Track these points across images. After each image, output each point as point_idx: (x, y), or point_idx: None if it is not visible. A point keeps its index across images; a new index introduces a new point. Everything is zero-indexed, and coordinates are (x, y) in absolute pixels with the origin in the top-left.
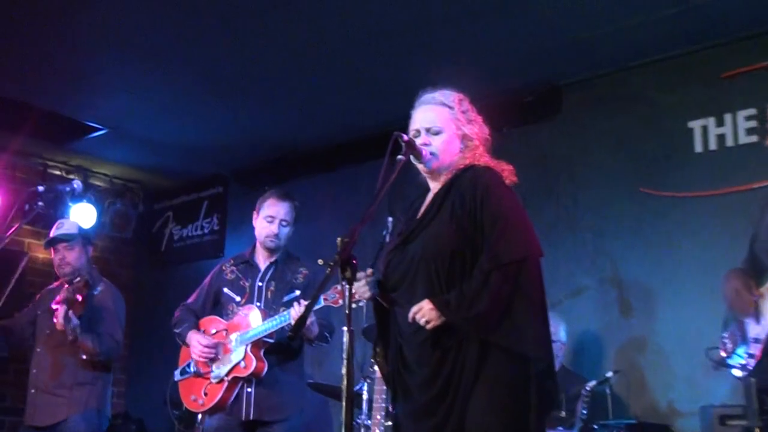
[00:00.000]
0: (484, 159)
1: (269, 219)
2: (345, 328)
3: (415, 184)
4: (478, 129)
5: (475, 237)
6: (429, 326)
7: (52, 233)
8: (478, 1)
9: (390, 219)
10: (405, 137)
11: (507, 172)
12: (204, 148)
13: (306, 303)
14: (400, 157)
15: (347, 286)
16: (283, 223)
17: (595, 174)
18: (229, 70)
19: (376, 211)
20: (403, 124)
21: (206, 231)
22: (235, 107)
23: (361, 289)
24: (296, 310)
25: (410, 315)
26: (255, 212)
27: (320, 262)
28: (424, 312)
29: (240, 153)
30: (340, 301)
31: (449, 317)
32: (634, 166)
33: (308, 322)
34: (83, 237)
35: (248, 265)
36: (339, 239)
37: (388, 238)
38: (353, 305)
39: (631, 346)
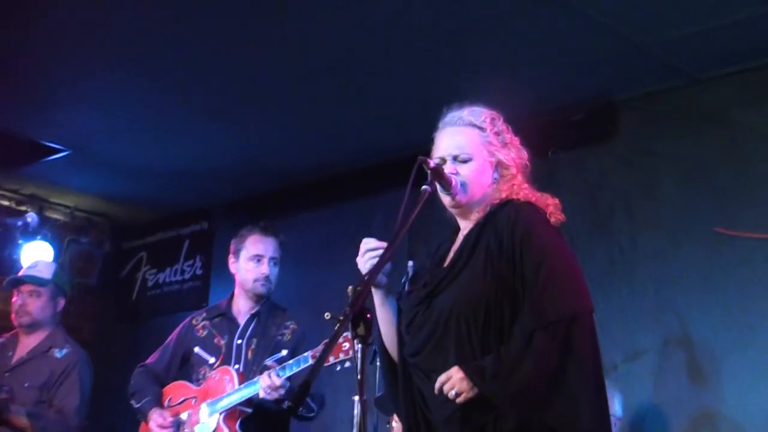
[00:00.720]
0: (524, 192)
1: (256, 259)
2: (356, 398)
3: (441, 222)
4: (515, 154)
5: (515, 287)
6: (460, 399)
7: (21, 272)
8: (515, 0)
9: (411, 264)
10: (431, 163)
11: (552, 207)
12: (186, 175)
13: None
14: (425, 187)
15: (359, 346)
16: (273, 261)
17: (658, 210)
18: (219, 83)
19: (395, 253)
20: (424, 150)
21: (187, 276)
22: (225, 128)
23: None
24: (268, 382)
25: (437, 385)
26: (232, 255)
27: (327, 316)
28: (453, 382)
29: (229, 182)
30: (331, 359)
31: (484, 388)
32: (708, 200)
33: (279, 386)
34: (56, 286)
35: (224, 318)
36: (350, 288)
37: (407, 288)
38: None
39: (702, 422)
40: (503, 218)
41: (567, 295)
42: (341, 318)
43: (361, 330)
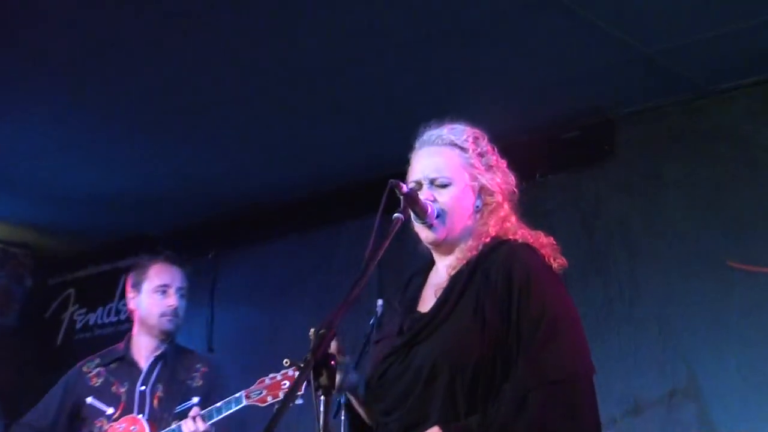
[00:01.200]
0: (521, 232)
1: (161, 290)
2: None
3: (414, 254)
4: (500, 179)
5: (508, 342)
6: None
7: None
8: (502, 3)
9: (380, 303)
10: (405, 187)
11: (549, 248)
12: (124, 199)
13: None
14: (397, 215)
15: (322, 397)
16: (181, 292)
17: (663, 241)
18: (158, 98)
19: (364, 290)
20: (397, 172)
21: (123, 317)
22: (167, 147)
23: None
24: (190, 428)
25: None
26: (131, 289)
27: (286, 362)
28: None
29: (176, 208)
30: (269, 399)
31: None
32: (720, 229)
33: None
34: None
35: (123, 363)
36: (312, 332)
37: (376, 333)
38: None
39: None
40: (496, 262)
41: (569, 354)
42: (302, 365)
43: (323, 379)
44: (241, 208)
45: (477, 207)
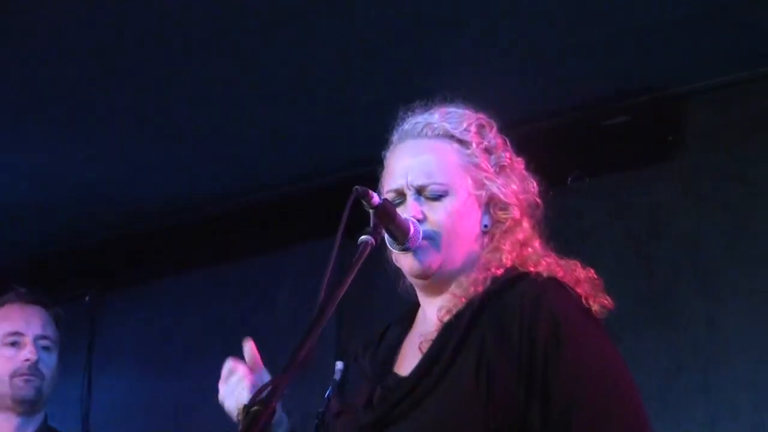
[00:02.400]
0: (548, 260)
1: (12, 339)
2: None
3: (389, 293)
4: (517, 185)
5: (529, 419)
6: None
7: None
8: None
9: (339, 366)
10: (375, 197)
11: (587, 285)
12: None
13: None
14: (365, 238)
15: None
16: (45, 342)
17: (755, 273)
18: (17, 79)
19: (316, 346)
20: (368, 174)
21: None
22: (22, 136)
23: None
24: None
25: None
26: None
27: None
28: None
29: (33, 228)
30: None
31: None
32: None
33: None
34: None
35: None
36: (241, 408)
37: (336, 405)
38: None
39: None
40: (512, 305)
41: None
42: None
43: None
44: (134, 229)
45: (484, 226)
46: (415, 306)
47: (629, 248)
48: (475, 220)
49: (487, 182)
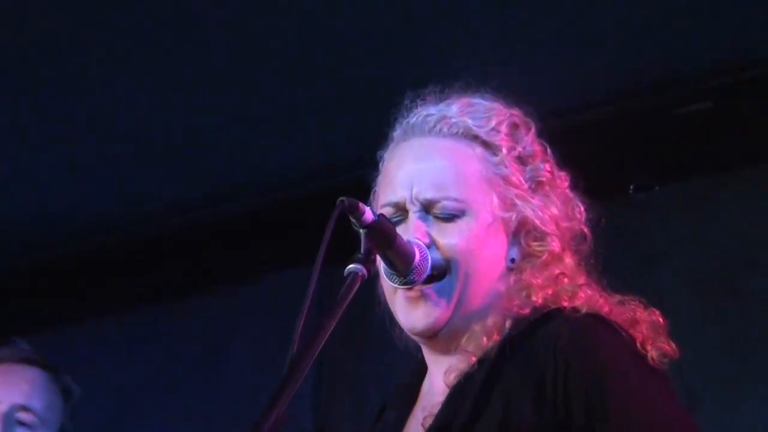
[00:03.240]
0: (586, 293)
1: None
2: None
3: (386, 345)
4: (559, 208)
5: None
6: None
7: None
8: None
9: None
10: (367, 212)
11: (646, 327)
12: None
13: None
14: (353, 267)
15: None
16: (23, 416)
17: None
18: None
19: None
20: (356, 182)
21: None
22: None
23: None
24: None
25: None
26: None
27: None
28: None
29: None
30: None
31: None
32: None
33: None
34: None
35: None
36: None
37: None
38: None
39: None
40: (542, 351)
41: None
42: None
43: None
44: (67, 251)
45: (511, 260)
46: (420, 367)
47: (716, 280)
48: (499, 252)
49: (518, 202)
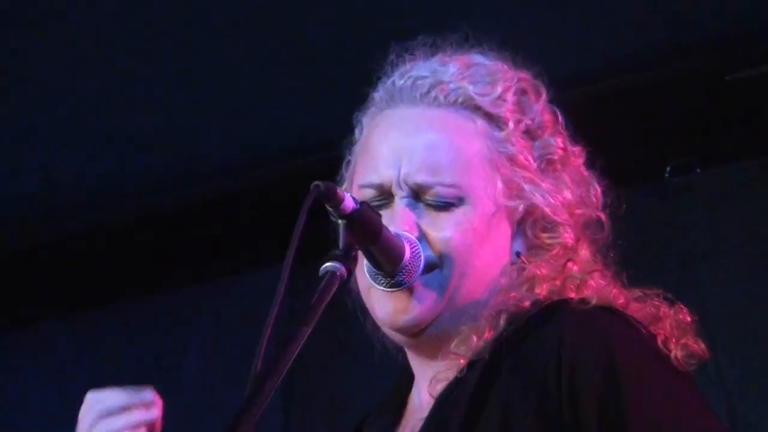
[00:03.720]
0: (597, 282)
1: None
2: None
3: (367, 350)
4: (572, 192)
5: None
6: None
7: None
8: None
9: None
10: (347, 199)
11: (671, 326)
12: None
13: None
14: (331, 266)
15: None
16: None
17: None
18: None
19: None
20: (323, 166)
21: None
22: None
23: None
24: None
25: None
26: None
27: None
28: None
29: None
30: None
31: None
32: None
33: None
34: None
35: None
36: None
37: None
38: None
39: None
40: (544, 346)
41: None
42: None
43: None
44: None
45: (516, 254)
46: (405, 376)
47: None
48: (501, 246)
49: (526, 187)
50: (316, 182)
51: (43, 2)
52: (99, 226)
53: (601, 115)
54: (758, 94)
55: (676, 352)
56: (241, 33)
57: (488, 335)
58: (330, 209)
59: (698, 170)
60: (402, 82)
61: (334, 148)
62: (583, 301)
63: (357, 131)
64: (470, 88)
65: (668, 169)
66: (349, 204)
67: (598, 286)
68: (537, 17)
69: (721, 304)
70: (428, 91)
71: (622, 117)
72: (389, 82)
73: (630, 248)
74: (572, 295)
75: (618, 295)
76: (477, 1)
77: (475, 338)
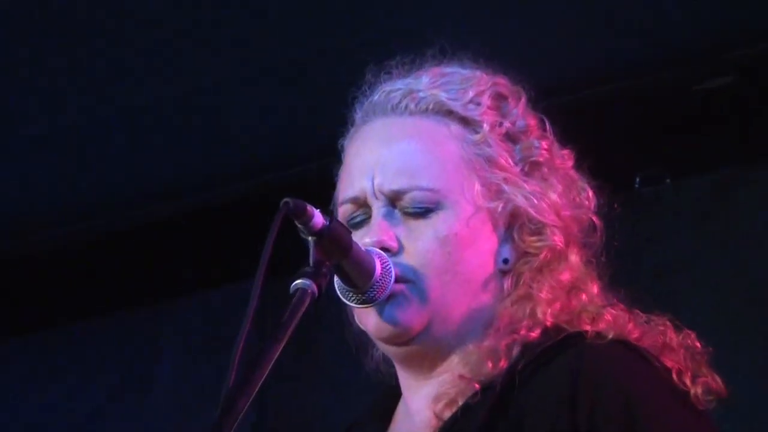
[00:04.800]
0: (611, 314)
1: None
2: None
3: (344, 366)
4: (560, 193)
5: None
6: None
7: None
8: None
9: None
10: (316, 216)
11: (684, 357)
12: None
13: None
14: (301, 283)
15: None
16: None
17: None
18: None
19: None
20: (299, 182)
21: None
22: None
23: None
24: None
25: None
26: None
27: None
28: None
29: None
30: None
31: None
32: None
33: None
34: None
35: None
36: None
37: None
38: None
39: None
40: (559, 384)
41: None
42: None
43: None
44: None
45: (503, 261)
46: (391, 396)
47: (739, 292)
48: (486, 251)
49: (506, 188)
50: (286, 199)
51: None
52: (68, 242)
53: (570, 126)
54: (725, 104)
55: (696, 390)
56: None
57: (502, 364)
58: (300, 226)
59: (668, 180)
60: (377, 97)
61: (306, 163)
62: (599, 335)
63: (342, 155)
64: (442, 94)
65: (637, 179)
66: (318, 221)
67: (614, 319)
68: (503, 31)
69: (694, 315)
70: (400, 101)
71: (590, 128)
72: (366, 102)
73: (601, 260)
74: (587, 327)
75: (633, 330)
76: (452, 13)
77: (490, 365)
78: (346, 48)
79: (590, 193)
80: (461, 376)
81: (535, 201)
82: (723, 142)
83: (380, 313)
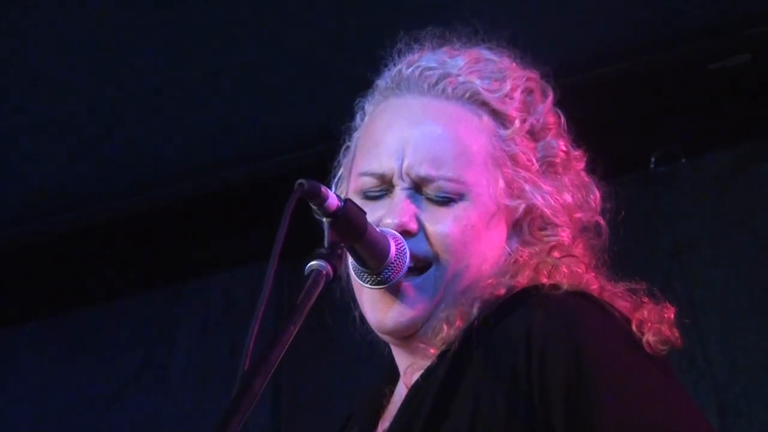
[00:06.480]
0: (570, 268)
1: None
2: None
3: (355, 346)
4: (572, 195)
5: None
6: None
7: None
8: None
9: None
10: (331, 197)
11: (649, 314)
12: None
13: None
14: (316, 264)
15: None
16: None
17: None
18: None
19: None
20: (314, 163)
21: None
22: None
23: None
24: None
25: None
26: None
27: None
28: None
29: None
30: None
31: None
32: None
33: None
34: None
35: None
36: None
37: None
38: None
39: None
40: (514, 336)
41: None
42: None
43: None
44: None
45: (512, 249)
46: (391, 370)
47: (756, 270)
48: (496, 244)
49: (527, 188)
50: (300, 180)
51: None
52: (88, 225)
53: (585, 106)
54: (741, 82)
55: (648, 337)
56: (221, 38)
57: (459, 324)
58: (314, 207)
59: (683, 159)
60: (409, 71)
61: (323, 143)
62: (555, 286)
63: (358, 117)
64: (478, 83)
65: (653, 159)
66: (333, 202)
67: (570, 272)
68: (519, 9)
69: (709, 293)
70: (436, 83)
71: (606, 107)
72: (395, 70)
73: (617, 239)
74: (544, 280)
75: (592, 281)
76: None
77: (446, 327)
78: (358, 30)
79: (598, 196)
80: (424, 344)
81: (552, 202)
82: (740, 120)
83: (383, 309)
